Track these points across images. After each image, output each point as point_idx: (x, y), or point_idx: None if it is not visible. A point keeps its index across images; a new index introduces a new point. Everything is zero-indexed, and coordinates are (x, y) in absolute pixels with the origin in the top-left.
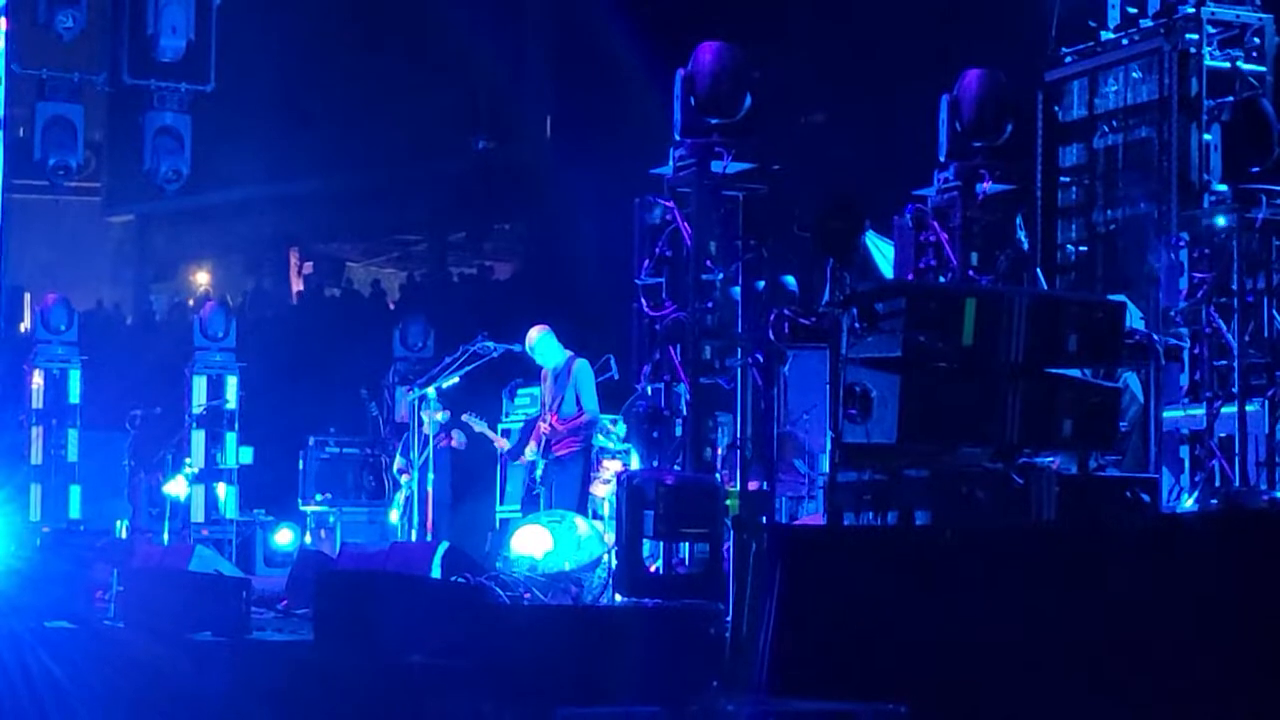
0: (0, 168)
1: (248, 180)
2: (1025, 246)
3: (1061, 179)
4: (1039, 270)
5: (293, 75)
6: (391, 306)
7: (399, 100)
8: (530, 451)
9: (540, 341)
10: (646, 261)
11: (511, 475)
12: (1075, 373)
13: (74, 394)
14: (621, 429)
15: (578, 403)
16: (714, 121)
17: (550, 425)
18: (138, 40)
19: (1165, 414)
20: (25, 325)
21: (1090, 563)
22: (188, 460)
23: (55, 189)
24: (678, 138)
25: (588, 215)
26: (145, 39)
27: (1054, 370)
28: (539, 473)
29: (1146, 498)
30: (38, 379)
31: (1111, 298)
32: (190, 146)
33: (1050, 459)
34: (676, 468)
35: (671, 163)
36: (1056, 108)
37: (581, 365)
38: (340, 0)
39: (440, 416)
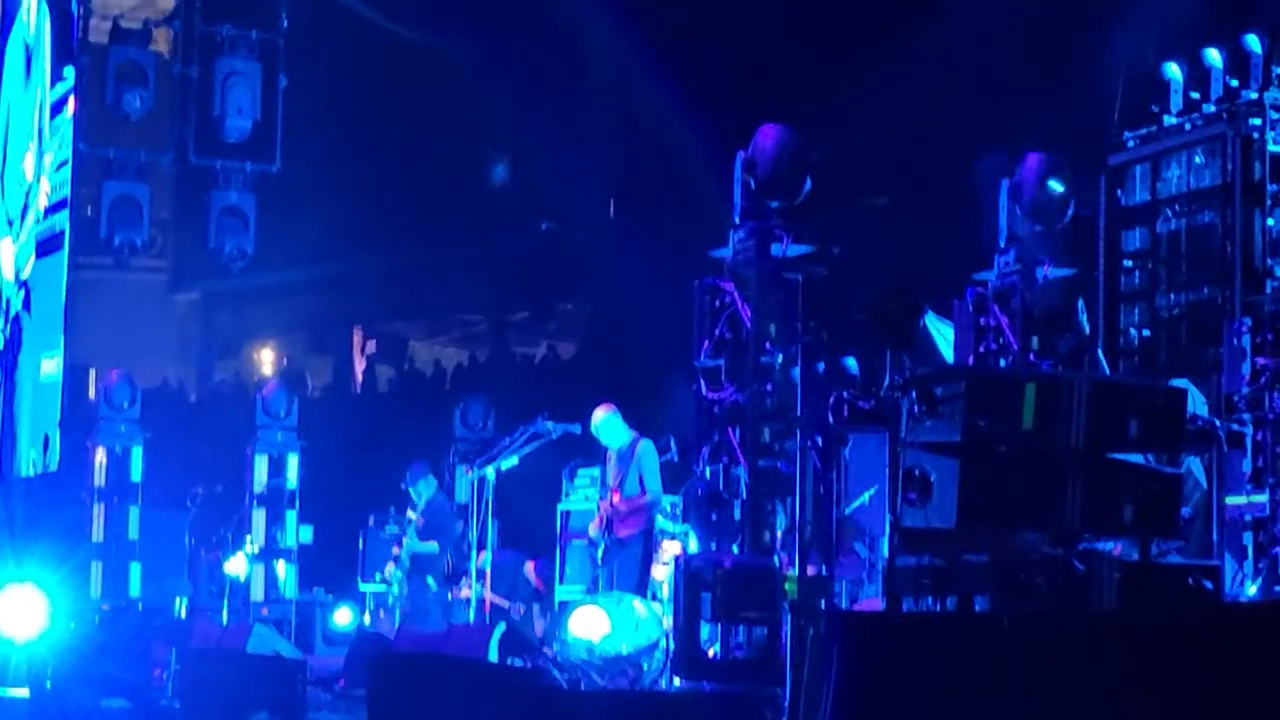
0: (67, 245)
1: (312, 259)
2: (1086, 331)
3: (1124, 263)
4: (1100, 354)
5: (356, 155)
6: (452, 386)
7: (462, 180)
8: (592, 531)
9: (606, 421)
10: (706, 343)
11: (570, 557)
12: (1137, 458)
13: (136, 471)
14: (678, 509)
15: (641, 483)
16: (774, 204)
17: (613, 505)
18: (204, 120)
19: (1228, 500)
20: (89, 401)
21: (1152, 651)
22: (248, 539)
23: (121, 266)
24: (737, 220)
25: (649, 296)
26: (212, 119)
27: (1115, 455)
28: (600, 553)
29: (1209, 585)
30: (100, 456)
31: (1174, 383)
32: (255, 225)
33: (1111, 545)
34: (735, 550)
35: (731, 245)
36: (1119, 191)
37: (646, 445)
38: (403, 82)
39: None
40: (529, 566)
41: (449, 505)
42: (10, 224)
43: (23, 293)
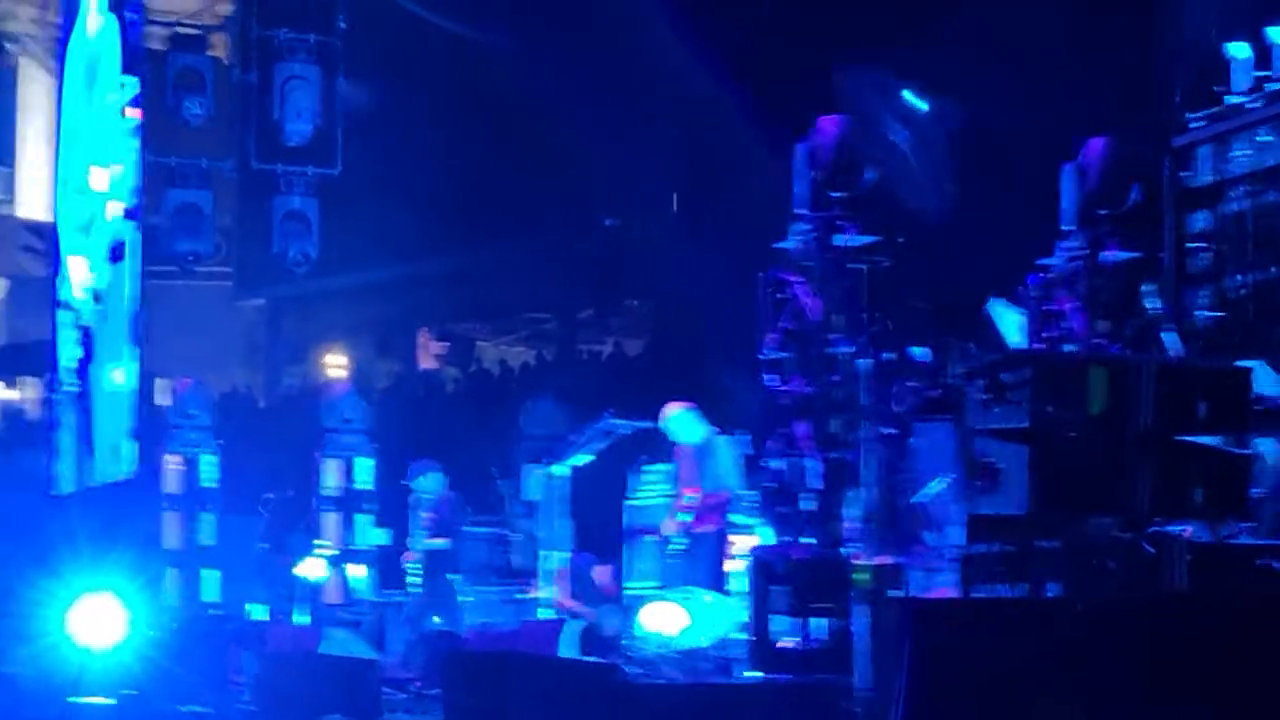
0: (129, 253)
1: (376, 261)
2: (1153, 314)
3: (1190, 245)
4: (1171, 336)
5: (417, 156)
6: (519, 385)
7: (526, 179)
8: (667, 528)
9: (681, 418)
10: (771, 336)
11: (640, 552)
12: (1206, 440)
13: (208, 478)
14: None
15: (719, 480)
16: (836, 195)
17: (690, 502)
18: (265, 126)
19: None
20: (160, 410)
21: (1223, 633)
22: (321, 543)
23: (187, 274)
24: (799, 212)
25: (713, 290)
26: (272, 124)
27: (1184, 438)
28: (677, 548)
29: None
30: (173, 463)
31: (1242, 364)
32: (318, 229)
33: (1182, 528)
34: (805, 542)
35: (794, 237)
36: (1184, 173)
37: (724, 442)
38: (464, 81)
39: None
40: (598, 570)
41: (456, 499)
42: (81, 233)
43: (94, 304)
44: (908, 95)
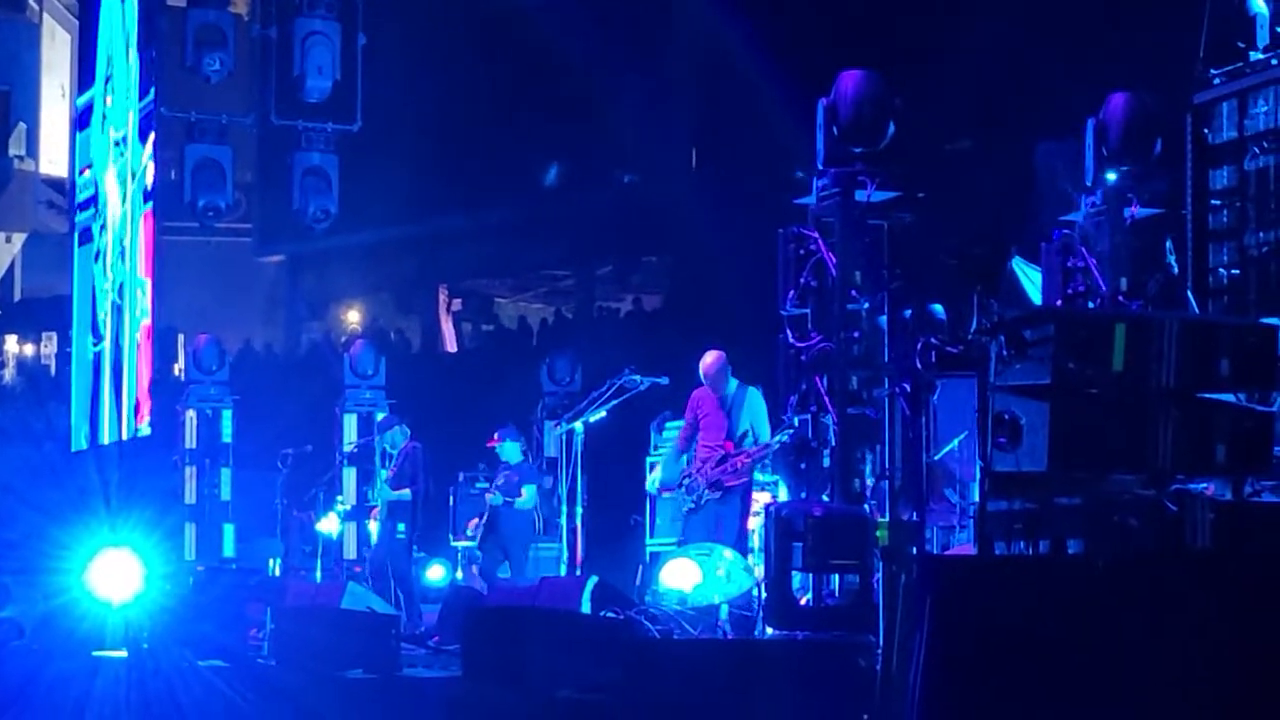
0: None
1: (396, 218)
2: (1175, 271)
3: (1212, 202)
4: (1190, 294)
5: (438, 113)
6: (539, 342)
7: (544, 136)
8: (689, 480)
9: (719, 368)
10: (791, 292)
11: (660, 508)
12: (1229, 397)
13: (226, 433)
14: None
15: (753, 432)
16: (857, 150)
17: (726, 454)
18: (285, 81)
19: None
20: (179, 366)
21: (1246, 590)
22: (339, 498)
23: (206, 230)
24: (820, 167)
25: (732, 246)
26: (292, 80)
27: (1207, 395)
28: (694, 501)
29: None
30: (191, 419)
31: (1265, 321)
32: (338, 186)
33: (1204, 485)
34: (825, 499)
35: (815, 193)
36: (1206, 130)
37: (755, 394)
38: (483, 37)
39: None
40: None
41: (421, 454)
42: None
43: (121, 259)
44: None
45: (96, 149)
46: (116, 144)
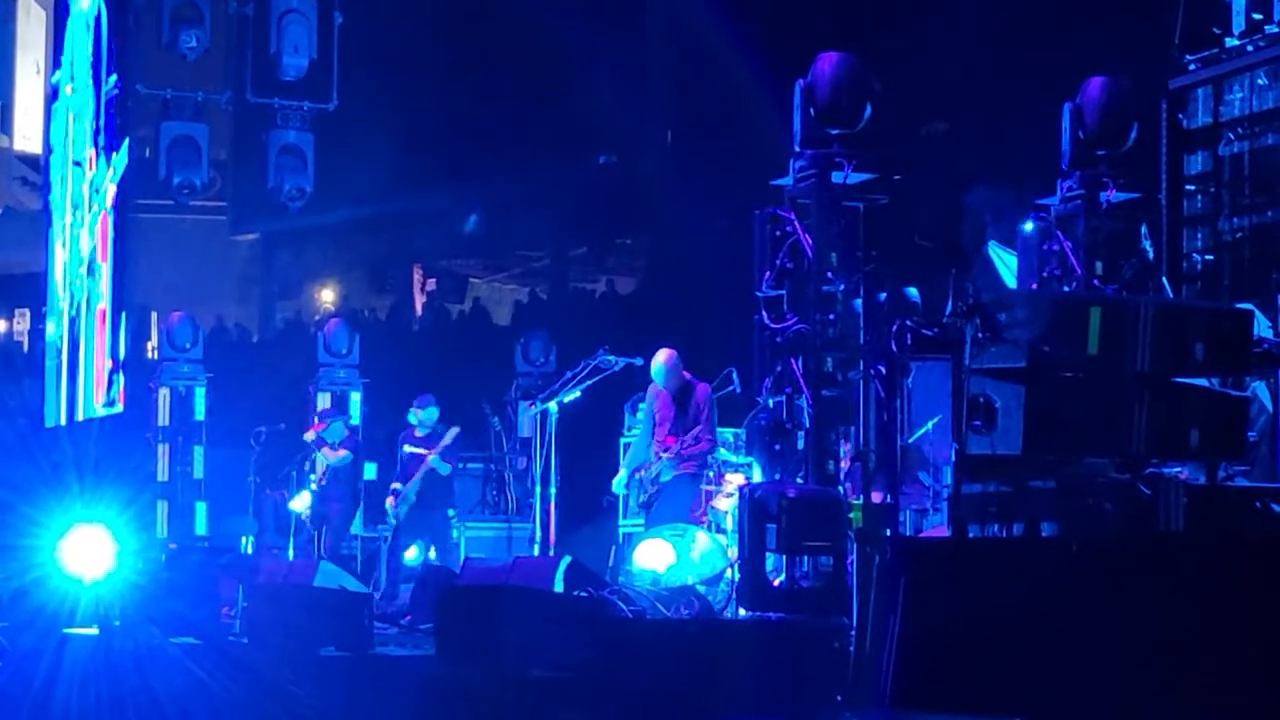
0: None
1: (371, 197)
2: (1150, 255)
3: (1187, 187)
4: (1165, 279)
5: (414, 92)
6: (513, 322)
7: (519, 116)
8: (644, 474)
9: (669, 365)
10: (767, 274)
11: (633, 490)
12: (1202, 382)
13: (199, 411)
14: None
15: (699, 430)
16: (834, 132)
17: (668, 447)
18: (261, 59)
19: None
20: (152, 344)
21: (1219, 574)
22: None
23: (180, 208)
24: (797, 149)
25: (708, 228)
26: (268, 58)
27: (1181, 380)
28: (650, 486)
29: (1277, 508)
30: (164, 396)
31: (1239, 306)
32: (313, 164)
33: (1178, 469)
34: (799, 481)
35: (791, 174)
36: (1181, 115)
37: (707, 393)
38: (460, 18)
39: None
40: None
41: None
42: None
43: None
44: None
45: (56, 133)
46: (76, 127)
